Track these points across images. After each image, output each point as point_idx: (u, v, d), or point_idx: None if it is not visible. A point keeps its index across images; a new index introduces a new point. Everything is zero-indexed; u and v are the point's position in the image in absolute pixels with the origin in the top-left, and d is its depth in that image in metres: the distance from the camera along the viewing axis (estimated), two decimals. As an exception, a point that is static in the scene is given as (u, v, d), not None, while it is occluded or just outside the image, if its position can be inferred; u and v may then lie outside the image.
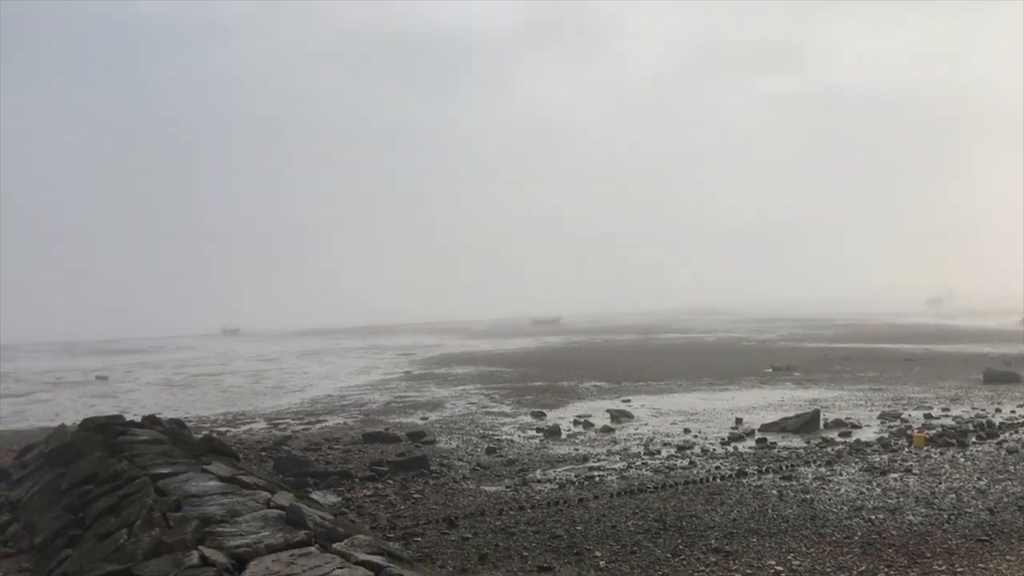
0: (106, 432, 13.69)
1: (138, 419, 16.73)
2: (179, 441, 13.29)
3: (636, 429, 17.57)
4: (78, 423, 17.03)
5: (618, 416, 19.27)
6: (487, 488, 12.13)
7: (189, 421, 19.93)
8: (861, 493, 11.02)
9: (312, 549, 6.77)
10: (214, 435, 15.67)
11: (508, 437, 17.01)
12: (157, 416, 17.45)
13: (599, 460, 14.06)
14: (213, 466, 10.43)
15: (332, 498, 11.81)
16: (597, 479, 12.42)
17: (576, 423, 18.59)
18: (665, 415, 19.70)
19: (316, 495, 11.65)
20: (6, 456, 17.15)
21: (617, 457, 14.30)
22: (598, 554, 8.51)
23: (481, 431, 18.02)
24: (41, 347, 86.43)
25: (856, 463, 13.13)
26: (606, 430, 17.45)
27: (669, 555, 8.42)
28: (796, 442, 15.44)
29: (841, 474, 12.31)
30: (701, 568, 7.97)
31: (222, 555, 6.71)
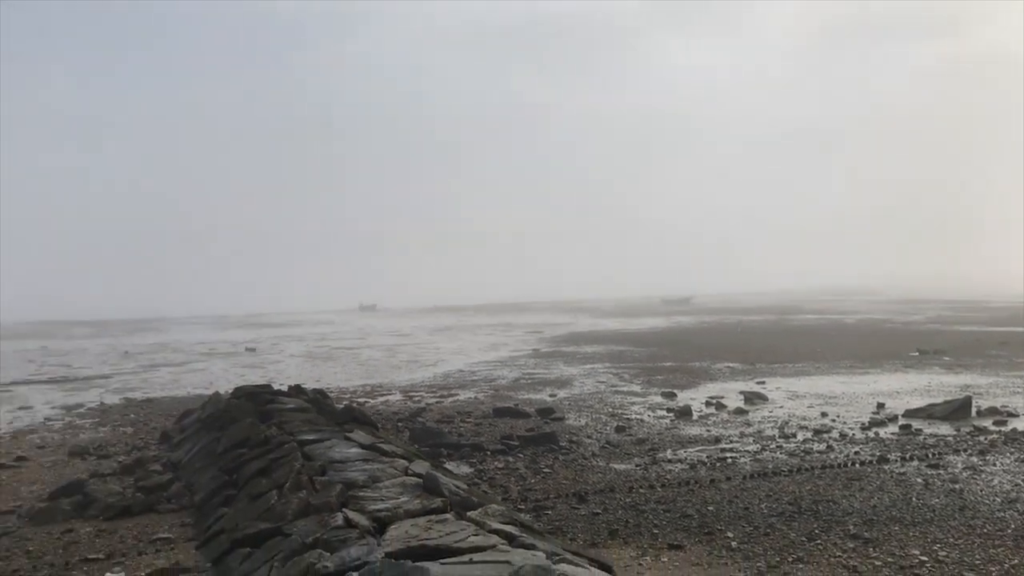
0: (256, 400, 14.56)
1: (284, 388, 17.68)
2: (322, 410, 13.97)
3: (770, 412, 17.14)
4: (230, 391, 18.17)
5: (752, 398, 18.84)
6: (616, 466, 12.16)
7: (330, 391, 20.87)
8: (1016, 485, 10.38)
9: (448, 516, 7.01)
10: (354, 405, 16.37)
11: (638, 416, 16.95)
12: (302, 386, 18.39)
13: (731, 442, 13.82)
14: (355, 434, 10.93)
15: (465, 469, 12.14)
16: (729, 461, 12.23)
17: (708, 404, 18.31)
18: (801, 398, 19.11)
19: (450, 465, 12.00)
20: (167, 420, 18.49)
21: (750, 439, 14.01)
22: (730, 535, 8.41)
23: (610, 409, 18.03)
24: (196, 320, 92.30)
25: (1012, 453, 12.36)
26: (739, 412, 17.10)
27: (804, 539, 8.22)
28: (944, 429, 14.66)
29: (994, 464, 11.63)
30: (838, 554, 7.74)
31: (364, 518, 7.05)
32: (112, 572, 7.38)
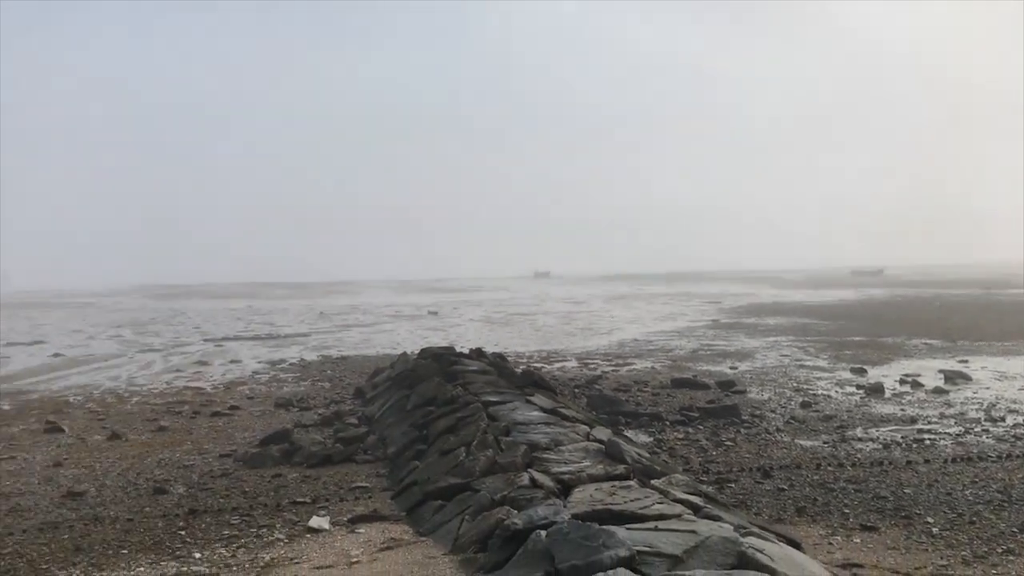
0: (441, 361, 15.18)
1: (466, 351, 18.32)
2: (503, 373, 14.36)
3: (975, 392, 15.91)
4: (416, 352, 19.06)
5: (953, 377, 17.56)
6: (802, 442, 11.74)
7: (508, 356, 21.39)
8: None
9: (632, 483, 7.05)
10: (532, 370, 16.71)
11: (824, 392, 16.24)
12: (482, 349, 18.97)
13: (930, 423, 12.98)
14: (536, 398, 11.17)
15: (643, 438, 12.13)
16: (927, 442, 11.49)
17: (902, 382, 17.25)
18: (1011, 379, 17.61)
19: (628, 433, 12.03)
20: (359, 377, 19.65)
21: (951, 421, 13.09)
22: (930, 520, 7.93)
23: (795, 384, 17.39)
24: (382, 284, 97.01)
25: None
26: (938, 391, 16.00)
27: (1015, 530, 7.62)
28: None
29: None
30: (1057, 549, 7.13)
31: (549, 479, 7.23)
32: (318, 515, 7.97)
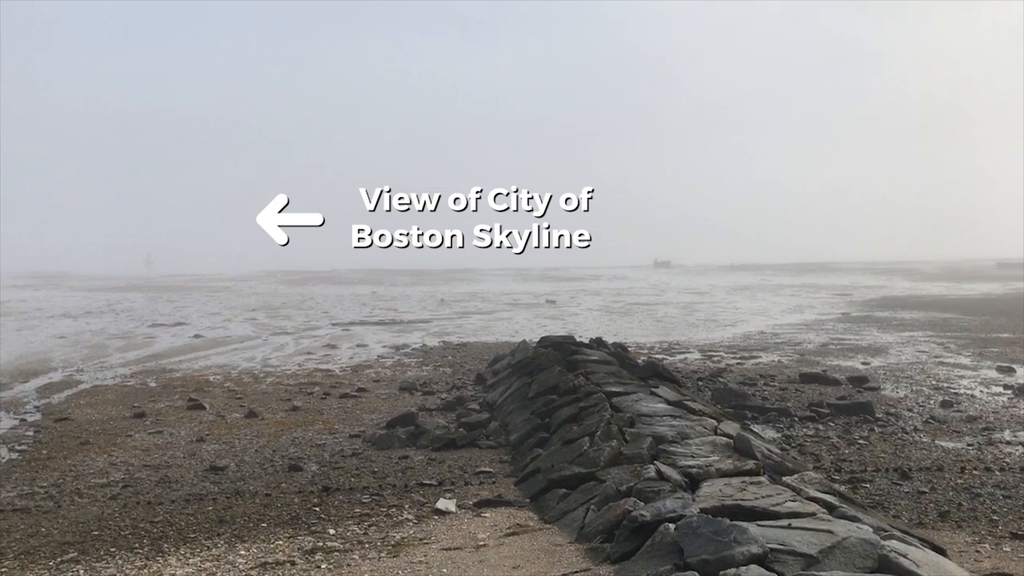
0: (562, 350, 15.18)
1: (586, 340, 18.27)
2: (625, 363, 14.24)
3: None
4: (535, 340, 19.14)
5: (1113, 379, 16.24)
6: (943, 443, 11.12)
7: (628, 346, 21.20)
8: None
9: (762, 479, 6.86)
10: (653, 361, 16.49)
11: (967, 391, 15.34)
12: (602, 339, 18.88)
13: (1089, 428, 12.05)
14: (660, 390, 11.03)
15: (771, 433, 11.78)
16: (1087, 449, 10.68)
17: (1056, 383, 16.08)
18: None
19: (755, 428, 11.71)
20: (480, 364, 19.91)
21: (1115, 427, 12.12)
22: (1089, 532, 7.37)
23: (933, 382, 16.49)
24: (501, 272, 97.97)
25: None
26: (1097, 394, 14.84)
27: None
28: None
29: None
30: None
31: (676, 472, 7.12)
32: (444, 498, 8.14)
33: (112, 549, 7.02)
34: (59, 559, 6.77)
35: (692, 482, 6.98)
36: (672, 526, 5.66)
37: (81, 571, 6.48)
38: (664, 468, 7.20)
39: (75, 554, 6.88)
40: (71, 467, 10.11)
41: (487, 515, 7.57)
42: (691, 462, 7.47)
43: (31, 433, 12.38)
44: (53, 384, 17.69)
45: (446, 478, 9.18)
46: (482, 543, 6.62)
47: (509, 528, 7.03)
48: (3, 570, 6.54)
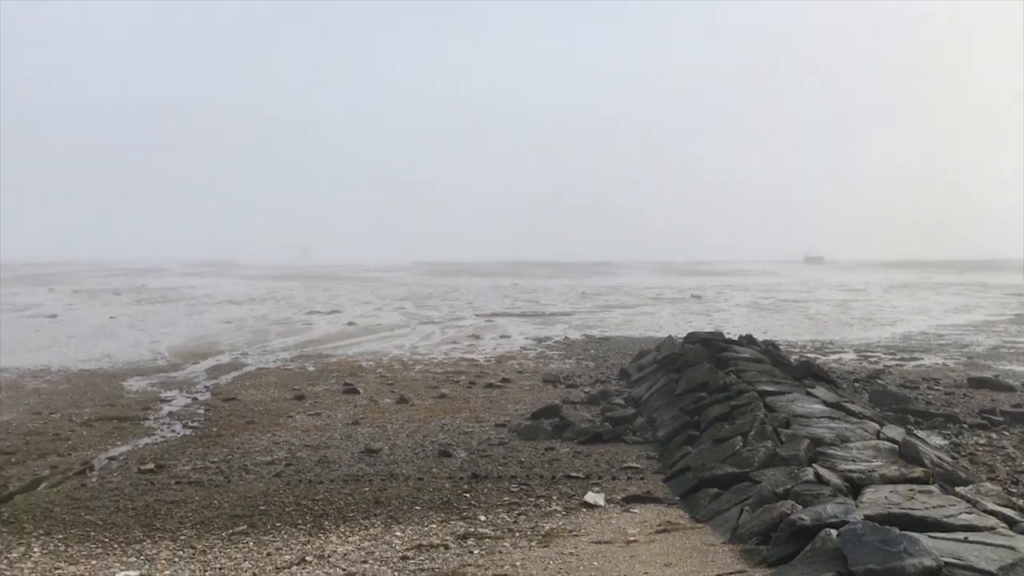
0: (710, 346, 14.84)
1: (735, 337, 17.78)
2: (777, 362, 13.77)
3: None
4: (680, 335, 18.80)
5: None
6: None
7: (779, 344, 20.48)
8: None
9: (932, 488, 6.47)
10: (809, 360, 15.86)
11: None
12: (752, 336, 18.32)
13: None
14: (816, 390, 10.59)
15: (937, 440, 11.08)
16: None
17: None
18: None
19: (920, 434, 11.05)
20: (623, 358, 19.76)
21: None
22: None
23: (1125, 391, 15.04)
24: (643, 266, 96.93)
25: None
26: None
27: None
28: None
29: None
30: None
31: (836, 476, 6.82)
32: (593, 491, 8.12)
33: (277, 524, 7.42)
34: (231, 531, 7.21)
35: (853, 487, 6.66)
36: (834, 532, 5.42)
37: (251, 543, 6.89)
38: (823, 471, 6.91)
39: (245, 527, 7.32)
40: (238, 444, 10.75)
41: (636, 511, 7.50)
42: (852, 466, 7.14)
43: (202, 411, 13.26)
44: (221, 366, 18.90)
45: (593, 471, 9.16)
46: (632, 538, 6.56)
47: (659, 525, 6.94)
48: (182, 537, 7.03)
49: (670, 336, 19.91)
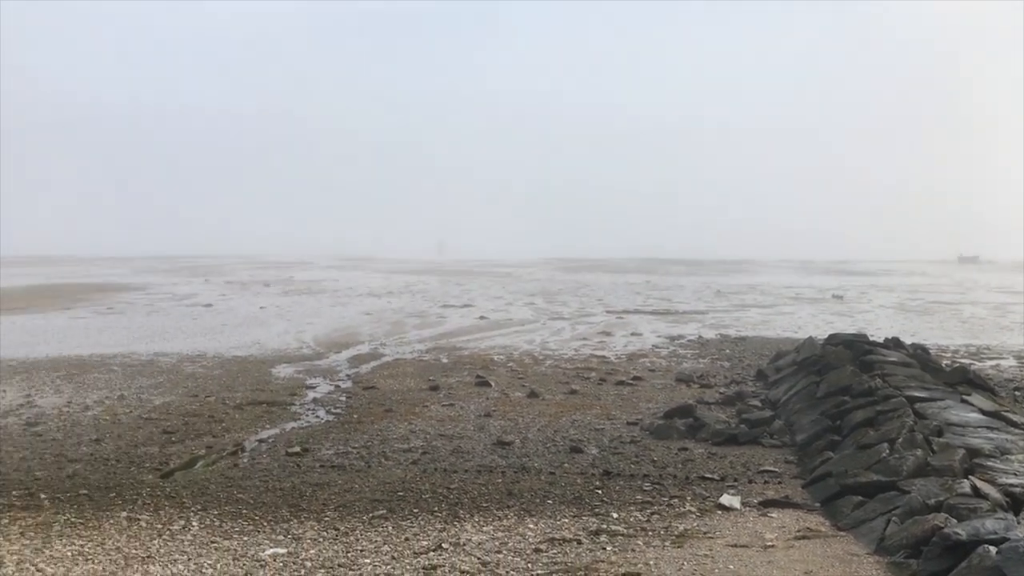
0: (854, 348, 14.20)
1: (880, 339, 16.92)
2: (928, 367, 13.03)
3: None
4: (821, 337, 18.06)
5: None
6: None
7: (928, 348, 19.35)
8: None
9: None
10: (963, 366, 14.90)
11: None
12: (899, 339, 17.38)
13: None
14: (972, 398, 9.96)
15: (1111, 457, 10.20)
16: None
17: None
18: None
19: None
20: (760, 359, 19.18)
21: None
22: None
23: None
24: (782, 264, 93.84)
25: None
26: None
27: None
28: None
29: None
30: None
31: (995, 490, 6.40)
32: (728, 494, 7.95)
33: (415, 510, 7.65)
34: (371, 514, 7.49)
35: (1015, 503, 6.24)
36: (993, 549, 5.09)
37: (390, 527, 7.13)
38: (981, 484, 6.49)
39: (384, 511, 7.58)
40: (377, 432, 11.15)
41: (774, 515, 7.28)
42: (1014, 480, 6.68)
43: (344, 399, 13.82)
44: (361, 355, 19.63)
45: (728, 474, 8.96)
46: (770, 544, 6.38)
47: (798, 531, 6.72)
48: (326, 519, 7.36)
49: (810, 337, 19.14)
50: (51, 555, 6.27)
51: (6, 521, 7.13)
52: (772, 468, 9.17)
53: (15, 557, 6.19)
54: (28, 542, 6.57)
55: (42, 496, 7.94)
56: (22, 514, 7.35)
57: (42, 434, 10.83)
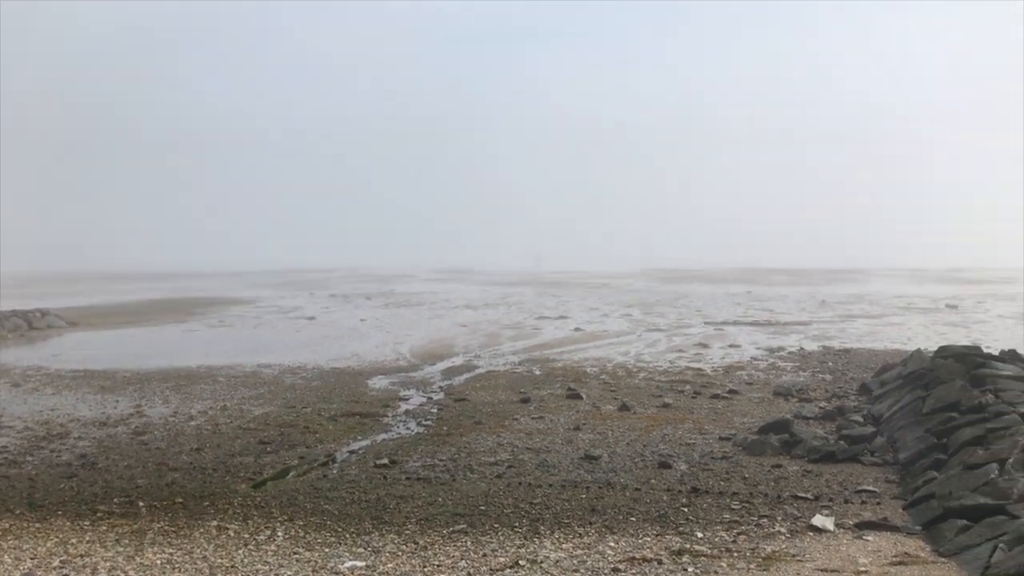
0: (965, 362, 13.42)
1: (996, 352, 15.95)
2: (1047, 382, 12.18)
3: None
4: (931, 349, 17.17)
5: None
6: None
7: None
8: None
9: None
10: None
11: None
12: (1017, 352, 16.35)
13: None
14: (1095, 415, 9.24)
15: None
16: None
17: None
18: None
19: None
20: (864, 372, 18.39)
21: None
22: None
23: None
24: (892, 272, 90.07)
25: None
26: None
27: None
28: None
29: None
30: None
31: (1116, 518, 5.89)
32: (821, 514, 7.60)
33: (495, 525, 7.61)
34: (451, 528, 7.50)
35: None
36: (1111, 584, 4.68)
37: (469, 542, 7.12)
38: (1100, 511, 6.00)
39: (464, 525, 7.58)
40: (465, 444, 11.19)
41: (869, 538, 6.92)
42: None
43: (435, 411, 13.95)
44: (455, 367, 19.81)
45: (823, 493, 8.58)
46: (863, 569, 6.06)
47: (895, 556, 6.36)
48: (407, 532, 7.41)
49: (919, 349, 18.22)
50: (141, 562, 6.52)
51: (104, 528, 7.47)
52: (871, 487, 8.74)
53: (108, 564, 6.47)
54: (122, 549, 6.86)
55: (140, 504, 8.30)
56: (120, 521, 7.69)
57: (148, 443, 11.34)
